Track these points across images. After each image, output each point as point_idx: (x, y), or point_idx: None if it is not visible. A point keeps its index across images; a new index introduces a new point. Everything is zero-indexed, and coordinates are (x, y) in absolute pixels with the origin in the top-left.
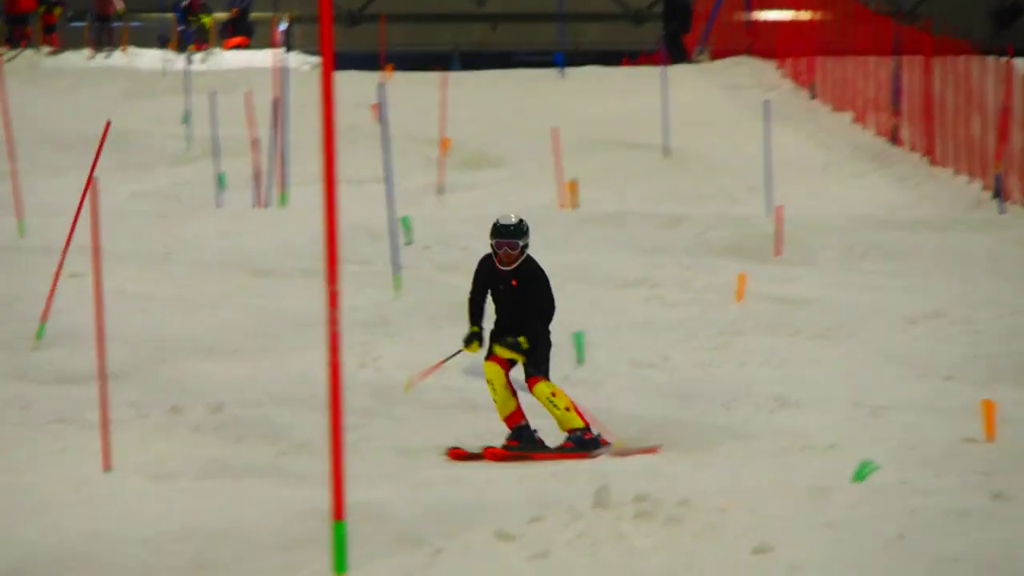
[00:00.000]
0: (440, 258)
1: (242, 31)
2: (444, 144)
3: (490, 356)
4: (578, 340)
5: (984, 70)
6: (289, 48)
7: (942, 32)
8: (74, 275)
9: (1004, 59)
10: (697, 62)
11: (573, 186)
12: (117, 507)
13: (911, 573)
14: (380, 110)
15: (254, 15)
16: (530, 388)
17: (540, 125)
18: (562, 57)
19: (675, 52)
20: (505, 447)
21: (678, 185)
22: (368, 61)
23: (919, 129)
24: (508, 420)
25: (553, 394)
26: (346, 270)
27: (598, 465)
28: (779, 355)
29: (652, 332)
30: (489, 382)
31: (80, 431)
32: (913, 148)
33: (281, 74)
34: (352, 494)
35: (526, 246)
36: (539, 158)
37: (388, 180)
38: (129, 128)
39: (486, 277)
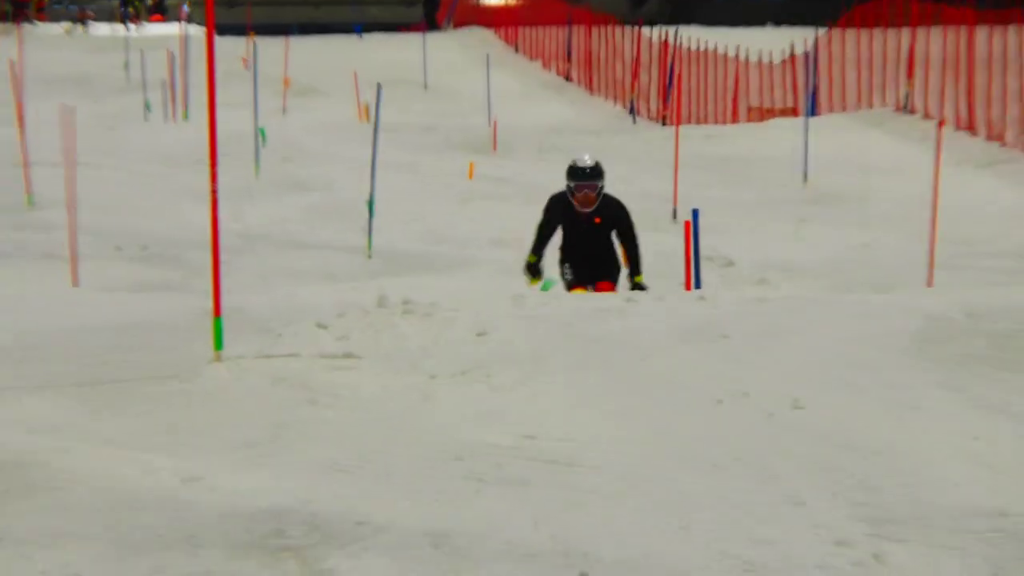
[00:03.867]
0: (285, 153)
1: (160, 11)
2: (286, 82)
3: (576, 286)
4: (370, 204)
5: (624, 35)
6: (190, 21)
7: (599, 10)
8: (54, 165)
9: (635, 27)
10: (445, 30)
11: (366, 108)
12: (79, 309)
13: (576, 347)
14: (248, 61)
15: (168, 1)
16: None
17: (347, 70)
18: (360, 28)
19: (431, 24)
20: None
21: (433, 107)
22: (240, 30)
23: (583, 71)
24: None
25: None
26: (223, 161)
27: (379, 280)
28: (496, 213)
29: (416, 198)
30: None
31: (59, 262)
32: (580, 83)
33: (184, 39)
34: (226, 301)
35: (603, 186)
36: (346, 90)
37: (255, 105)
38: (91, 72)
39: (560, 216)
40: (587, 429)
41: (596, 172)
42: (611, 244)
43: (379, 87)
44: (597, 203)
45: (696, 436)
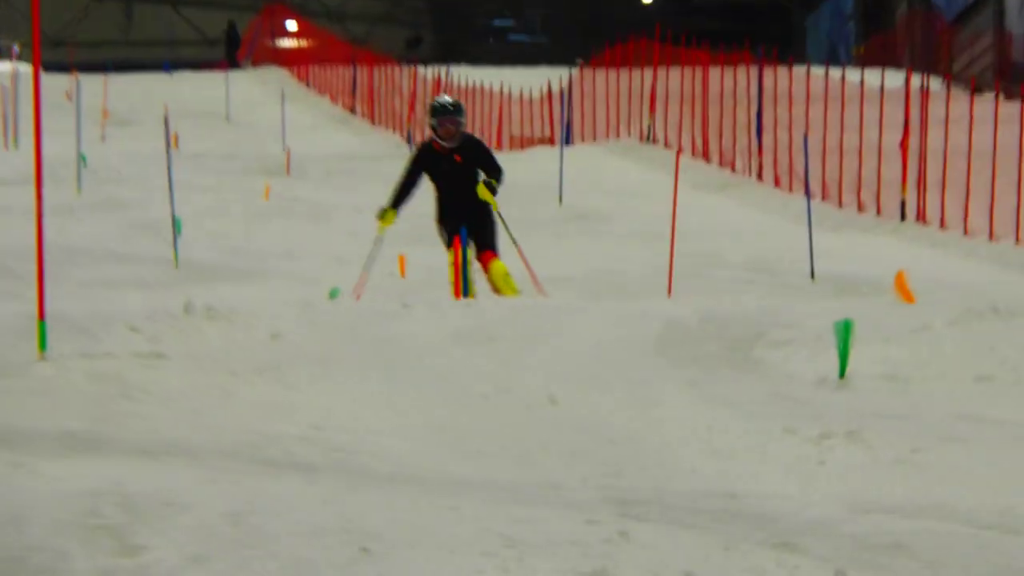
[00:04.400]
0: (104, 176)
1: None
2: (104, 113)
3: (452, 243)
4: (176, 222)
5: (401, 73)
6: (19, 60)
7: (379, 51)
8: None
9: (412, 66)
10: (244, 69)
11: (176, 137)
12: None
13: (360, 348)
14: (71, 95)
15: (1, 41)
16: (486, 264)
17: (159, 103)
18: (169, 65)
19: (232, 63)
20: None
21: (234, 137)
22: (64, 68)
23: (366, 105)
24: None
25: (506, 275)
26: (48, 183)
27: (186, 288)
28: (288, 229)
29: (218, 216)
30: (451, 265)
31: None
32: (363, 115)
33: (14, 75)
34: (50, 307)
35: (464, 123)
36: (157, 121)
37: (78, 133)
38: None
39: (425, 163)
40: (369, 421)
41: (457, 108)
42: (475, 183)
43: (166, 119)
44: (458, 139)
45: (465, 427)
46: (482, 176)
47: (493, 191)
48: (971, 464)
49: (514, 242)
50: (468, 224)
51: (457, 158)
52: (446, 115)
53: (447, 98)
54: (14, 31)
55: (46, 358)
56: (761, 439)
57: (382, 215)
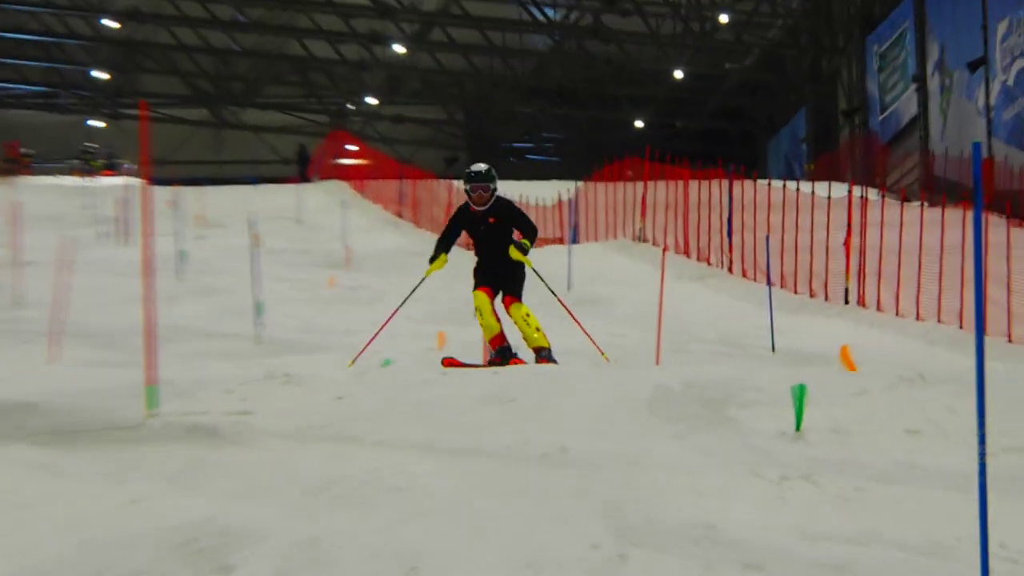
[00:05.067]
0: (199, 268)
1: (111, 168)
2: (200, 218)
3: (479, 287)
4: (258, 306)
5: (440, 185)
6: (132, 175)
7: (423, 168)
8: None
9: (448, 180)
10: (313, 182)
11: (258, 236)
12: (53, 378)
13: (408, 407)
14: (173, 203)
15: (117, 161)
16: (507, 306)
17: (244, 208)
18: (255, 179)
19: (303, 178)
20: (490, 362)
21: (305, 237)
22: (167, 182)
23: (412, 211)
24: (493, 341)
25: (527, 315)
26: (155, 273)
27: (266, 360)
28: (348, 312)
29: (294, 301)
30: (478, 309)
31: (38, 346)
32: (409, 220)
33: (127, 188)
34: (158, 374)
35: (496, 189)
36: (243, 223)
37: (178, 234)
38: (63, 211)
39: (462, 221)
40: (415, 466)
41: (488, 175)
42: (509, 242)
43: (250, 222)
44: (490, 202)
45: (492, 471)
46: (516, 235)
47: (524, 251)
48: (903, 501)
49: (553, 293)
50: (500, 277)
51: (492, 219)
52: (479, 181)
53: (481, 165)
54: (128, 153)
55: (155, 415)
56: (733, 481)
57: (433, 261)
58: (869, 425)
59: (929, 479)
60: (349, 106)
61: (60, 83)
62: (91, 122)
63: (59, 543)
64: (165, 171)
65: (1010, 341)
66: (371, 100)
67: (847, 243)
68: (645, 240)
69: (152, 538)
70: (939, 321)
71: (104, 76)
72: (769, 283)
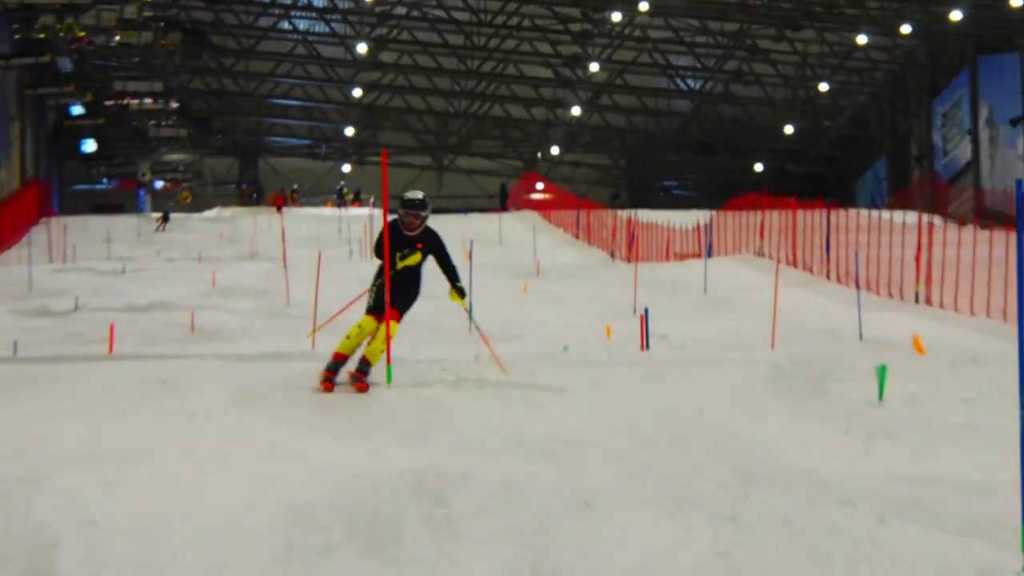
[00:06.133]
0: (426, 276)
1: (358, 200)
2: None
3: (372, 312)
4: (471, 307)
5: (607, 214)
6: (374, 207)
7: (594, 201)
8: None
9: (614, 210)
10: (511, 212)
11: (469, 253)
12: (317, 359)
13: (590, 381)
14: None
15: (364, 196)
16: (386, 319)
17: (459, 232)
18: (466, 210)
19: (503, 207)
20: (326, 377)
21: (505, 254)
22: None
23: (586, 234)
24: (339, 356)
25: (389, 336)
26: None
27: (476, 346)
28: (539, 310)
29: (496, 302)
30: (360, 327)
31: (302, 336)
32: (584, 240)
33: (371, 216)
34: (393, 355)
35: (427, 217)
36: (459, 244)
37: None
38: (321, 234)
39: (394, 237)
40: (586, 425)
41: (422, 204)
42: (444, 264)
43: (465, 242)
44: (419, 229)
45: (645, 428)
46: (446, 280)
47: (462, 294)
48: (961, 453)
49: (477, 328)
50: (399, 295)
51: (419, 244)
52: (412, 209)
53: (418, 194)
54: (371, 190)
55: (392, 387)
56: (830, 437)
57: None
58: (935, 395)
59: (981, 436)
60: (539, 155)
61: (320, 137)
62: (343, 167)
63: (316, 480)
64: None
65: None
66: (554, 150)
67: (917, 257)
68: (763, 255)
69: (388, 479)
70: (988, 316)
71: (352, 131)
72: (858, 287)
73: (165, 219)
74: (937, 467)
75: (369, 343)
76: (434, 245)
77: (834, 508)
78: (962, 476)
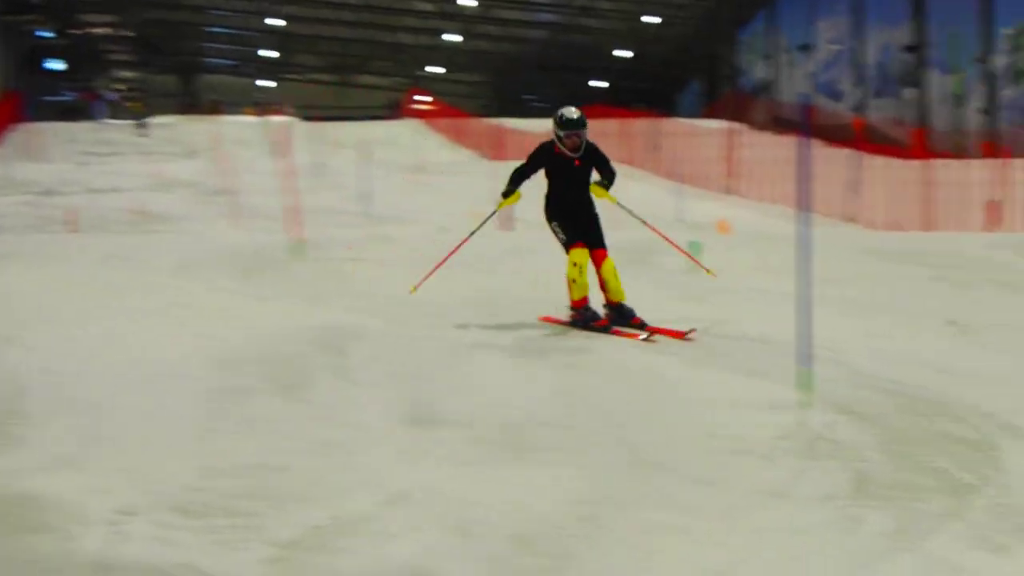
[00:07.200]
0: (334, 172)
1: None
2: (333, 142)
3: (576, 243)
4: (368, 195)
5: (479, 122)
6: (291, 116)
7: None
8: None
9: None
10: (399, 120)
11: (369, 153)
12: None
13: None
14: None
15: (280, 106)
16: (600, 260)
17: (359, 136)
18: (364, 117)
19: (394, 116)
20: (572, 319)
21: (396, 152)
22: (310, 119)
23: (462, 138)
24: (580, 302)
25: (615, 270)
26: (306, 177)
27: (377, 227)
28: (421, 197)
29: (389, 192)
30: (576, 265)
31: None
32: (460, 144)
33: (288, 123)
34: (308, 235)
35: (586, 135)
36: (357, 145)
37: (316, 151)
38: (248, 137)
39: (545, 161)
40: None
41: (582, 122)
42: (588, 183)
43: (362, 143)
44: (582, 149)
45: (501, 294)
46: (595, 176)
47: (607, 187)
48: (753, 310)
49: (644, 222)
50: (584, 224)
51: (576, 162)
52: (573, 128)
53: (574, 111)
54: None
55: (304, 260)
56: (654, 292)
57: (507, 195)
58: (735, 266)
59: (769, 298)
60: (424, 71)
61: (243, 58)
62: (262, 82)
63: (240, 335)
64: (311, 113)
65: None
66: (437, 70)
67: (729, 157)
68: None
69: (295, 334)
70: (781, 204)
71: (272, 54)
72: (679, 181)
73: (143, 125)
74: (736, 323)
75: (607, 286)
76: (594, 157)
77: (652, 356)
78: (754, 329)
